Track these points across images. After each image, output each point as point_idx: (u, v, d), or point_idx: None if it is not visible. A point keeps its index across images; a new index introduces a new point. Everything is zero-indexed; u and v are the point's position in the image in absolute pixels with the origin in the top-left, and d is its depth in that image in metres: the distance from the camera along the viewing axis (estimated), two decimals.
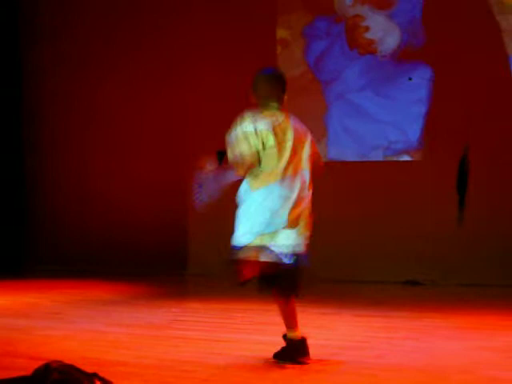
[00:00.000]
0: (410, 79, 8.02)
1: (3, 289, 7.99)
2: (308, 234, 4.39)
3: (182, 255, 8.78)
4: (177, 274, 8.61)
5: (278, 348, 4.46)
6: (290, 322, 4.37)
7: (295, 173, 4.35)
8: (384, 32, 8.15)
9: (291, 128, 4.43)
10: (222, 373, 4.22)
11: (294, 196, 4.34)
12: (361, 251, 7.98)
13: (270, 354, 4.51)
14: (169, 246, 8.84)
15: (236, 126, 4.46)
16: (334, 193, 8.19)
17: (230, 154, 4.47)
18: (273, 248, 4.27)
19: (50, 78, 9.61)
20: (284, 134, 4.37)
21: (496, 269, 7.51)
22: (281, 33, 8.57)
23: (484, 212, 7.66)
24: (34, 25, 9.70)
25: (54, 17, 9.62)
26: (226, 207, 8.38)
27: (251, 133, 4.36)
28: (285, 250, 4.27)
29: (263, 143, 4.31)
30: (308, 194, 4.44)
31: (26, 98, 9.73)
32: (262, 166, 4.32)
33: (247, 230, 4.36)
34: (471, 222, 7.70)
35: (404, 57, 8.05)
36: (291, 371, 4.27)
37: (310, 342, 4.44)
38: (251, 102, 4.68)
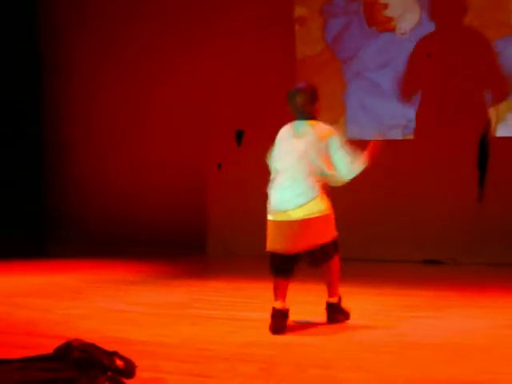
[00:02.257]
0: (429, 56, 7.92)
1: (25, 268, 8.05)
2: None
3: (201, 235, 8.79)
4: (196, 253, 8.63)
5: (298, 327, 4.46)
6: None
7: None
8: (403, 9, 8.04)
9: None
10: (242, 351, 4.23)
11: None
12: (381, 230, 7.94)
13: (292, 333, 4.52)
14: (188, 226, 8.85)
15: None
16: None
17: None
18: None
19: (68, 71, 9.63)
20: None
21: None
22: (299, 11, 8.49)
23: (505, 190, 7.58)
24: (54, 19, 9.71)
25: (74, 9, 9.61)
26: (244, 189, 8.45)
27: None
28: None
29: None
30: None
31: (45, 85, 9.76)
32: None
33: None
34: (492, 200, 7.63)
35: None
36: (311, 348, 4.26)
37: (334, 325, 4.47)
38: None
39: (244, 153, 8.59)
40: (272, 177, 4.88)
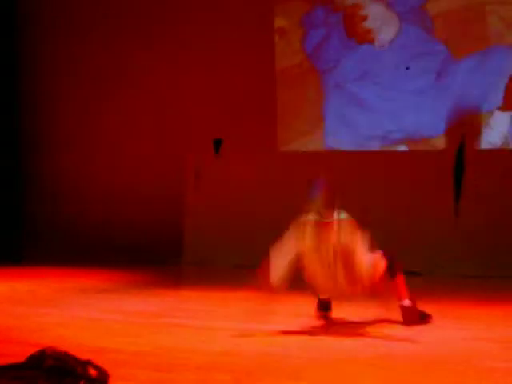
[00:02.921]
0: (408, 68, 7.99)
1: (0, 275, 7.99)
2: None
3: (177, 244, 8.77)
4: (172, 262, 8.60)
5: (269, 337, 4.47)
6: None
7: None
8: (382, 21, 8.11)
9: None
10: (216, 360, 4.22)
11: None
12: None
13: (265, 342, 4.53)
14: (164, 235, 8.83)
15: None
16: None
17: None
18: None
19: (47, 69, 9.57)
20: None
21: (493, 260, 7.51)
22: (278, 22, 8.53)
23: (481, 203, 7.66)
24: (31, 18, 9.65)
25: (53, 8, 9.56)
26: (221, 199, 8.46)
27: None
28: None
29: None
30: None
31: (23, 88, 9.71)
32: None
33: None
34: (468, 213, 7.69)
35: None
36: (284, 358, 4.26)
37: (306, 332, 4.43)
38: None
39: (222, 162, 8.60)
40: None
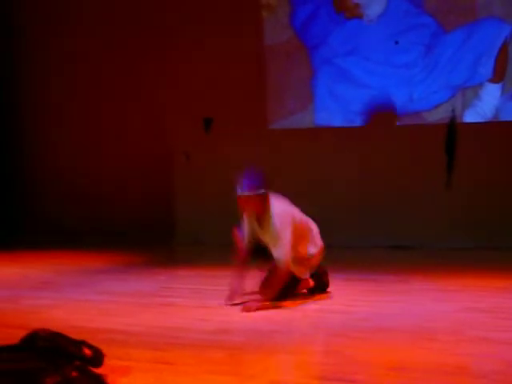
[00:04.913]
0: (397, 42, 7.95)
1: None
2: None
3: (169, 224, 8.75)
4: (164, 242, 8.59)
5: (265, 313, 4.47)
6: None
7: None
8: None
9: None
10: (210, 338, 4.22)
11: None
12: (348, 216, 7.98)
13: (259, 318, 4.53)
14: (156, 215, 8.81)
15: None
16: (321, 157, 8.17)
17: None
18: None
19: (46, 67, 9.51)
20: None
21: (483, 232, 7.54)
22: None
23: (472, 175, 7.66)
24: (25, 14, 9.56)
25: (48, 5, 9.46)
26: (211, 178, 8.43)
27: None
28: None
29: None
30: None
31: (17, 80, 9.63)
32: None
33: None
34: (459, 186, 7.71)
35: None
36: (279, 334, 4.27)
37: (299, 307, 4.46)
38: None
39: (211, 141, 8.56)
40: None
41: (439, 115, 7.81)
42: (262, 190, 4.91)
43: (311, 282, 5.32)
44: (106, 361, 3.48)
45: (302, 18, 8.34)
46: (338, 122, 8.25)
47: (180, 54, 8.73)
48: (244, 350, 3.97)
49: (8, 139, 9.68)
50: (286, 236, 4.90)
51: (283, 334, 4.30)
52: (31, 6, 9.53)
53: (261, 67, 8.44)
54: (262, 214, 4.95)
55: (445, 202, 7.75)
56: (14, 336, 3.63)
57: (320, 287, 5.36)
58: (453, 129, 7.77)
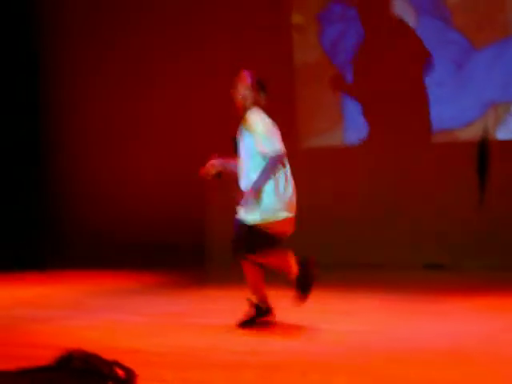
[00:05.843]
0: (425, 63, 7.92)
1: (24, 280, 8.04)
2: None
3: (200, 245, 8.77)
4: (196, 263, 8.60)
5: (298, 333, 4.44)
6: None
7: None
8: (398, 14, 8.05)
9: None
10: (242, 359, 4.21)
11: None
12: (382, 234, 7.92)
13: (288, 340, 4.50)
14: (188, 235, 8.83)
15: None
16: (354, 175, 8.14)
17: None
18: None
19: (66, 71, 9.64)
20: None
21: None
22: (296, 18, 8.50)
23: (506, 193, 7.57)
24: (52, 18, 9.71)
25: (73, 9, 9.60)
26: None
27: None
28: None
29: None
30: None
31: (42, 85, 9.78)
32: None
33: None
34: (492, 204, 7.61)
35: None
36: (311, 354, 4.24)
37: (333, 327, 4.50)
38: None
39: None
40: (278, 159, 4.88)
41: (471, 133, 7.75)
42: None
43: (294, 269, 4.86)
44: (139, 381, 3.48)
45: (331, 38, 8.37)
46: (367, 139, 8.22)
47: (211, 74, 8.78)
48: (275, 370, 3.94)
49: (44, 153, 9.76)
50: (274, 133, 4.90)
51: (315, 354, 4.27)
52: (58, 13, 9.65)
53: (291, 87, 8.45)
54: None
55: (476, 220, 7.66)
56: (49, 356, 3.66)
57: (304, 280, 4.86)
58: (485, 147, 7.69)
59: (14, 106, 9.42)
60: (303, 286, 4.86)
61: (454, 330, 4.79)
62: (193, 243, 8.76)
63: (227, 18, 8.72)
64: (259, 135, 4.83)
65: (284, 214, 4.82)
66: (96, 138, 9.56)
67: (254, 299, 4.97)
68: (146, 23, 9.24)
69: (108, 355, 3.59)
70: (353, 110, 8.25)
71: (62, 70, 9.69)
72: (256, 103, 5.02)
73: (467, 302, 5.78)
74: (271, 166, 4.78)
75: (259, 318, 4.93)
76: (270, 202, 4.78)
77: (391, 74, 8.01)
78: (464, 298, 5.92)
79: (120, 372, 3.49)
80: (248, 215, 4.78)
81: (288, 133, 8.43)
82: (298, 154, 8.41)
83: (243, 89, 5.06)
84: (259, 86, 5.11)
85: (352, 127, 8.24)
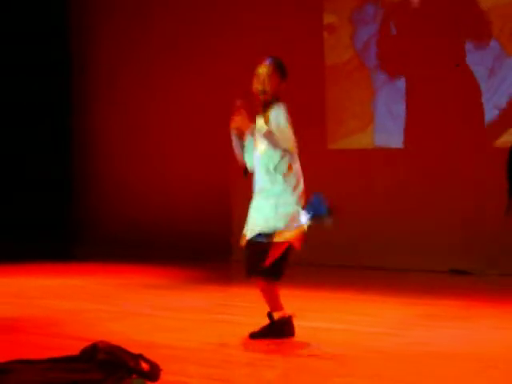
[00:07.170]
0: (457, 65, 7.87)
1: (53, 271, 8.16)
2: None
3: (226, 241, 8.81)
4: (221, 259, 8.65)
5: (320, 335, 4.46)
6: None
7: None
8: None
9: None
10: (265, 357, 4.24)
11: None
12: (407, 239, 7.89)
13: (312, 340, 4.52)
14: (214, 231, 8.88)
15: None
16: (382, 179, 8.13)
17: None
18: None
19: (100, 71, 9.75)
20: None
21: None
22: (328, 18, 8.49)
23: None
24: (84, 18, 9.82)
25: (105, 10, 9.71)
26: None
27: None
28: None
29: None
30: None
31: (75, 85, 9.90)
32: None
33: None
34: None
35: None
36: (333, 357, 4.25)
37: (356, 328, 4.44)
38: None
39: None
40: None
41: (503, 139, 7.69)
42: None
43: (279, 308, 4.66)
44: (163, 375, 3.53)
45: (364, 38, 8.35)
46: (397, 143, 8.20)
47: (240, 74, 8.78)
48: (298, 371, 3.97)
49: (71, 151, 9.92)
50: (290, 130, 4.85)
51: (336, 356, 4.28)
52: (90, 14, 9.78)
53: (321, 87, 8.46)
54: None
55: (506, 226, 7.60)
56: (74, 347, 3.73)
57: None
58: None
59: (46, 107, 9.57)
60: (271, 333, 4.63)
61: (478, 336, 4.78)
62: (220, 239, 8.81)
63: (258, 18, 8.74)
64: (278, 129, 4.82)
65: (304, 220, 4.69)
66: (124, 136, 9.66)
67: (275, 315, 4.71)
68: (171, 23, 9.29)
69: (133, 348, 3.65)
70: (384, 112, 8.23)
71: (88, 72, 9.80)
72: (276, 92, 4.97)
73: (492, 308, 5.75)
74: (277, 143, 4.84)
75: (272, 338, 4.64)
76: (289, 209, 4.74)
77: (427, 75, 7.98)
78: (489, 304, 5.89)
79: (144, 365, 3.55)
80: (269, 224, 4.77)
81: (318, 134, 8.54)
82: (327, 154, 8.44)
83: (263, 75, 4.95)
84: (280, 71, 5.00)
85: (382, 130, 8.22)
